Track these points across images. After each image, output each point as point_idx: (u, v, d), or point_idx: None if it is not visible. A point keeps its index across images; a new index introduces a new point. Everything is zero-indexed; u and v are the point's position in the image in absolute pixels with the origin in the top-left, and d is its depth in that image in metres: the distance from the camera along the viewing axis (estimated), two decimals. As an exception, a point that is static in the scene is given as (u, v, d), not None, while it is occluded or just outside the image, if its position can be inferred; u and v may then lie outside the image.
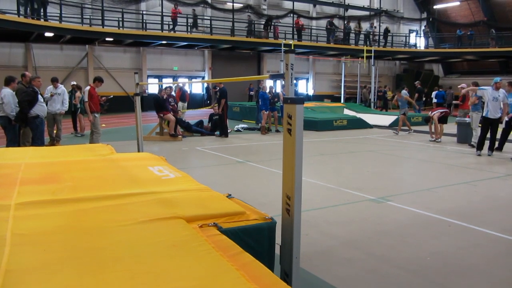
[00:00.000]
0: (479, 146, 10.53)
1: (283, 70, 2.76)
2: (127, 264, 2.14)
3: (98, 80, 10.69)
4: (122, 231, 2.60)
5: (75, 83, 14.87)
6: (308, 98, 28.58)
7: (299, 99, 2.57)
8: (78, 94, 13.79)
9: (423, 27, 33.34)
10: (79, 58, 23.37)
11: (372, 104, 25.10)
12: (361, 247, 4.45)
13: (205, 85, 27.13)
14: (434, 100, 21.22)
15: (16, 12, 18.21)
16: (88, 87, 10.51)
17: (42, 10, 19.14)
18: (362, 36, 29.71)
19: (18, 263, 2.14)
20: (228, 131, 13.81)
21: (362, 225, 5.11)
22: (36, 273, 2.04)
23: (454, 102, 15.08)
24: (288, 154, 2.73)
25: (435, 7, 33.94)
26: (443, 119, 13.05)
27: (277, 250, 2.92)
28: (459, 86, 14.06)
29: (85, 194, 3.38)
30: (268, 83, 16.06)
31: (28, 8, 18.67)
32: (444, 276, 3.78)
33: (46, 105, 10.27)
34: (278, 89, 17.55)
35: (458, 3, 32.32)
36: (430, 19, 34.23)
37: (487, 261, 4.14)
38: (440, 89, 22.34)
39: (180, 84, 16.43)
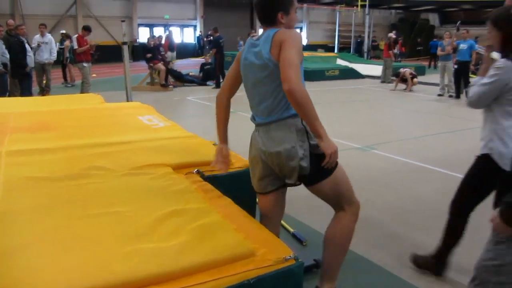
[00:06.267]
0: None
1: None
2: (115, 208, 2.24)
3: (85, 29, 10.59)
4: (111, 177, 2.71)
5: (64, 31, 14.61)
6: (301, 47, 28.15)
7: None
8: (67, 43, 13.59)
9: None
10: (68, 5, 22.76)
11: (365, 54, 24.90)
12: (344, 193, 4.61)
13: (197, 34, 26.65)
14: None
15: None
16: (76, 35, 10.50)
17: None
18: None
19: (11, 205, 2.26)
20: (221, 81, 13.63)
21: (346, 172, 5.26)
22: (27, 214, 2.16)
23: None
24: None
25: (433, -47, 32.95)
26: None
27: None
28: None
29: (76, 142, 3.46)
30: (260, 32, 15.80)
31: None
32: (423, 219, 3.97)
33: (34, 55, 10.17)
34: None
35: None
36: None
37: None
38: (435, 39, 22.19)
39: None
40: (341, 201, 2.42)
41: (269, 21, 2.32)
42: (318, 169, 2.23)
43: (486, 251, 1.63)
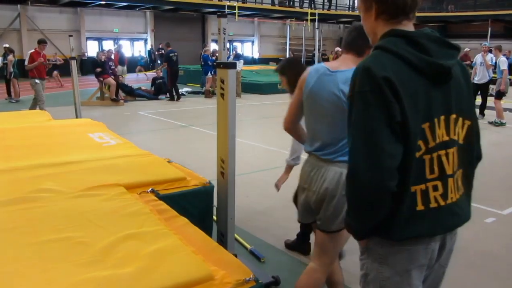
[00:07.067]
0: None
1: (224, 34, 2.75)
2: (66, 234, 2.15)
3: (40, 42, 10.04)
4: (61, 199, 2.60)
5: (7, 45, 14.05)
6: (253, 61, 28.43)
7: (232, 64, 2.62)
8: (10, 57, 13.07)
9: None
10: (11, 18, 21.91)
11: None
12: (300, 206, 4.64)
13: (148, 47, 26.32)
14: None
15: None
16: (31, 51, 9.89)
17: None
18: (306, -2, 29.70)
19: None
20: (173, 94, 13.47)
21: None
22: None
23: None
24: (221, 119, 2.81)
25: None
26: None
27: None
28: None
29: (21, 163, 3.30)
30: (212, 46, 15.87)
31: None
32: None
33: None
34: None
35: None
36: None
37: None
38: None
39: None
40: (327, 255, 2.30)
41: (356, 49, 2.19)
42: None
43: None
